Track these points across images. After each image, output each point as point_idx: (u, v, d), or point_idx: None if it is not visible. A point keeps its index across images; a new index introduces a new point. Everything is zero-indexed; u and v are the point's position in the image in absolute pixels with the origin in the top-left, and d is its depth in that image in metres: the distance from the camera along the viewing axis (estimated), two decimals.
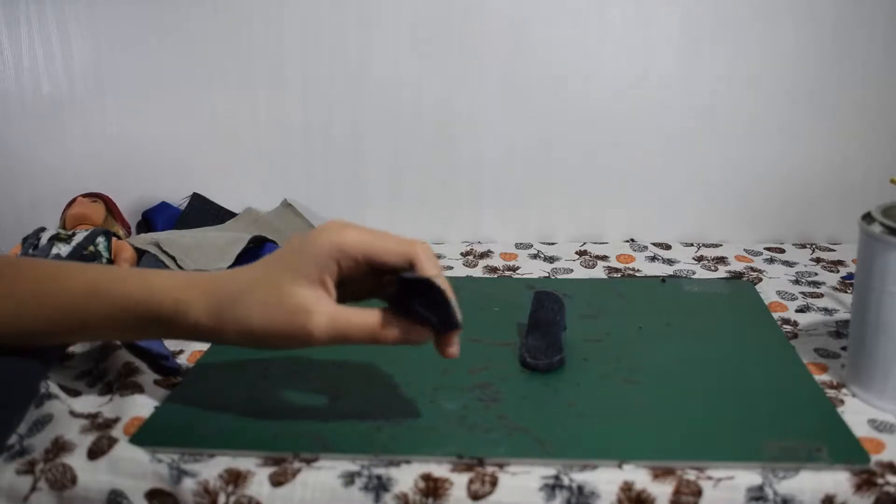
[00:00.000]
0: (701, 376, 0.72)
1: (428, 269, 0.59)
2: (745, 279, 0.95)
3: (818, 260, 1.02)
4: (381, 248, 0.59)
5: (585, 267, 1.01)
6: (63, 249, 0.85)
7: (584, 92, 1.05)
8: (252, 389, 0.71)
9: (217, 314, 0.59)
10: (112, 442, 0.63)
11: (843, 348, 0.78)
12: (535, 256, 1.05)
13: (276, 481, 0.60)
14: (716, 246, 1.07)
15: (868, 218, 0.68)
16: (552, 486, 0.59)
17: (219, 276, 0.61)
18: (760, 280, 0.95)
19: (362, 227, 0.59)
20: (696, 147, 1.06)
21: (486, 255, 1.05)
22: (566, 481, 0.59)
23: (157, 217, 1.08)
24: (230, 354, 0.76)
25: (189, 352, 0.79)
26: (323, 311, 0.57)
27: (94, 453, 0.62)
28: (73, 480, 0.61)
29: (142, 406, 0.68)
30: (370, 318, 0.58)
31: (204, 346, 0.80)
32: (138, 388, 0.71)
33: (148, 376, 0.73)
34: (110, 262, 0.87)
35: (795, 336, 0.81)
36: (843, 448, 0.61)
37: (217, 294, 0.60)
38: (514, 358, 0.76)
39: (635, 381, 0.71)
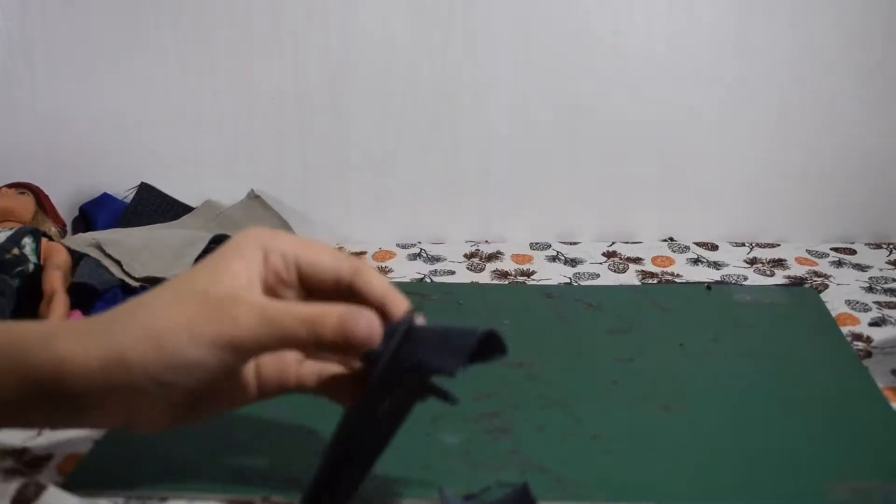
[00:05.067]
0: (754, 403, 0.72)
1: (376, 284, 0.58)
2: (807, 286, 0.96)
3: None
4: (315, 252, 0.58)
5: (615, 271, 1.01)
6: None
7: (614, 61, 1.05)
8: (213, 420, 0.71)
9: (104, 331, 0.53)
10: (40, 488, 0.63)
11: None
12: (553, 259, 1.05)
13: None
14: (772, 246, 1.08)
15: None
16: None
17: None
18: (827, 287, 0.96)
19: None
20: (750, 127, 1.07)
21: (494, 256, 1.06)
22: None
23: (97, 212, 1.08)
24: None
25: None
26: (253, 299, 0.54)
27: (21, 502, 0.62)
28: None
29: (79, 439, 0.68)
30: (308, 307, 0.53)
31: None
32: None
33: None
34: (39, 267, 0.87)
35: (869, 355, 0.81)
36: None
37: (101, 317, 0.55)
38: (527, 381, 0.76)
39: (674, 408, 0.72)
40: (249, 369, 0.58)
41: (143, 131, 1.11)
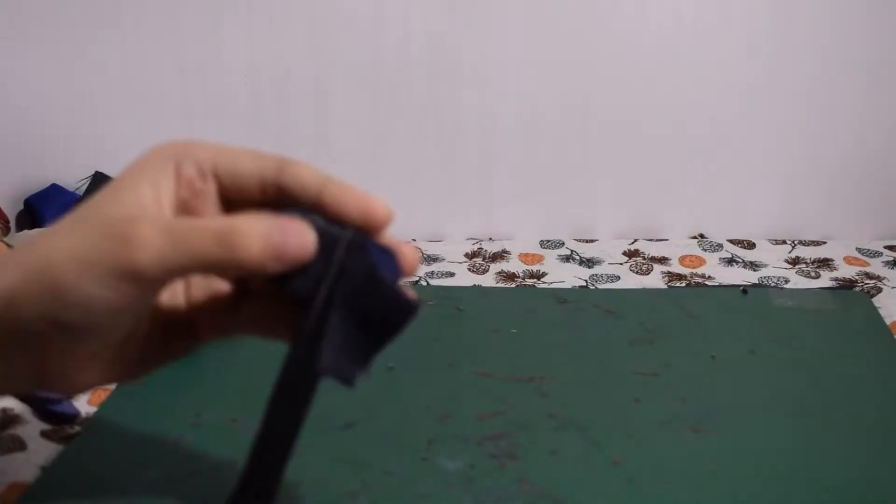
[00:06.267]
0: (797, 425, 0.72)
1: (307, 175, 0.53)
2: (858, 289, 0.96)
3: None
4: (235, 155, 0.54)
5: (637, 273, 1.01)
6: None
7: (637, 34, 1.05)
8: (179, 442, 0.71)
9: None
10: None
11: None
12: (567, 258, 1.05)
13: None
14: (817, 244, 1.08)
15: None
16: None
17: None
18: (880, 291, 0.96)
19: None
20: (789, 109, 1.07)
21: (500, 256, 1.06)
22: None
23: (45, 206, 1.08)
24: (146, 396, 0.76)
25: (91, 391, 0.79)
26: (154, 216, 0.50)
27: None
28: None
29: (23, 467, 0.68)
30: (222, 219, 0.49)
31: (111, 386, 0.80)
32: (19, 443, 0.71)
33: (33, 426, 0.73)
34: None
35: None
36: None
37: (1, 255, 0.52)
38: (538, 398, 0.76)
39: (706, 430, 0.72)
40: (178, 306, 0.56)
41: (98, 113, 1.11)
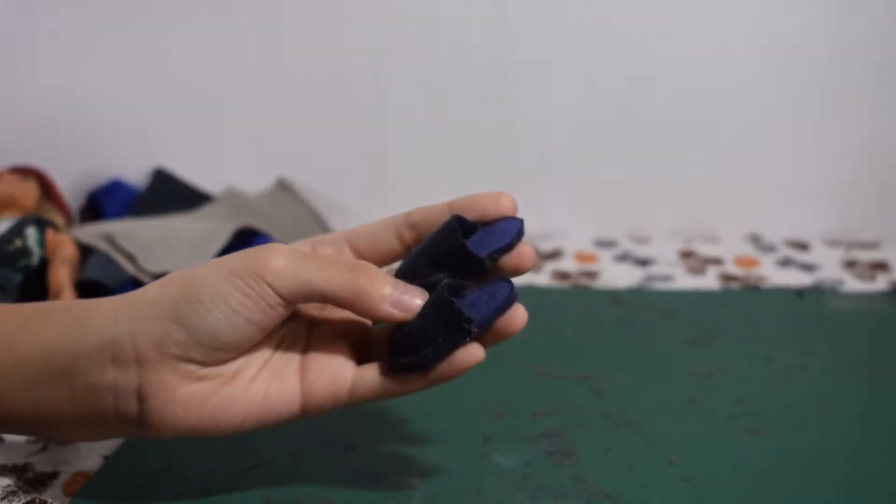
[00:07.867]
0: (853, 428, 0.72)
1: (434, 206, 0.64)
2: None
3: None
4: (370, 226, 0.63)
5: (692, 273, 1.01)
6: None
7: (695, 34, 1.05)
8: (239, 436, 0.71)
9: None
10: None
11: None
12: (622, 258, 1.05)
13: None
14: (873, 246, 1.07)
15: None
16: None
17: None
18: None
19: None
20: (846, 109, 1.06)
21: (554, 255, 1.06)
22: None
23: (107, 200, 1.09)
24: None
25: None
26: (281, 247, 0.56)
27: None
28: None
29: (87, 455, 0.69)
30: (355, 271, 0.56)
31: None
32: None
33: None
34: (44, 260, 0.88)
35: None
36: None
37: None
38: (593, 397, 0.76)
39: (761, 431, 0.71)
40: (292, 372, 0.59)
41: (160, 110, 1.12)
